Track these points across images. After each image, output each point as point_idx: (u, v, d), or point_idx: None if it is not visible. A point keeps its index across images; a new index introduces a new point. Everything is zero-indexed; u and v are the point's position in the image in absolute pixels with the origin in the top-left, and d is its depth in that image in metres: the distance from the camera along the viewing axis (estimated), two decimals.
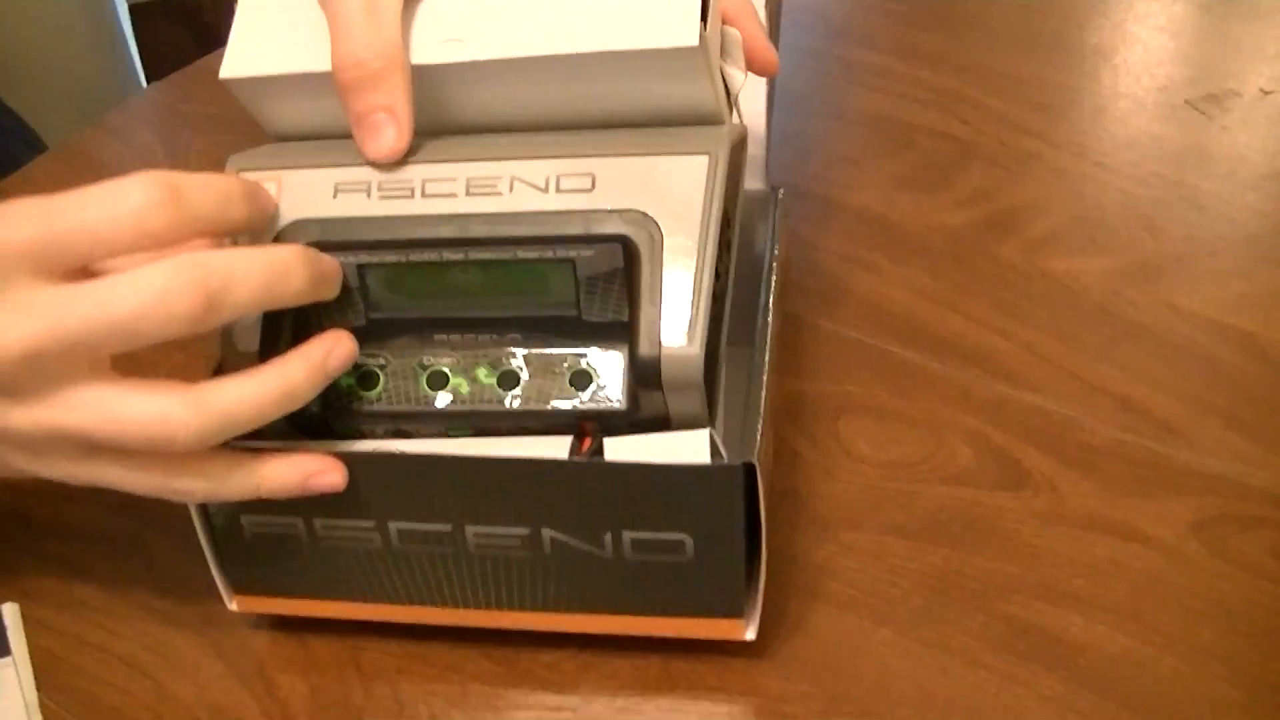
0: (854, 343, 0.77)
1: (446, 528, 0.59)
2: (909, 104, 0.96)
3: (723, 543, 0.57)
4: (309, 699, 0.62)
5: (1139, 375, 0.75)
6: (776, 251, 0.68)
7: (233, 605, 0.64)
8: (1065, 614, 0.63)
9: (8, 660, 0.64)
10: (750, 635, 0.61)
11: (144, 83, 1.52)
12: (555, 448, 0.56)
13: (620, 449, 0.56)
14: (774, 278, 0.66)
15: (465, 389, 0.58)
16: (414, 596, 0.62)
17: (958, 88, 0.98)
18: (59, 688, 0.63)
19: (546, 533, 0.58)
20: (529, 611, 0.61)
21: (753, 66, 0.63)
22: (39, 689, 0.63)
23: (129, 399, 0.52)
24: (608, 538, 0.58)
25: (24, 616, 0.66)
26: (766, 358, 0.62)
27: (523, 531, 0.58)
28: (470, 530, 0.59)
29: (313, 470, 0.56)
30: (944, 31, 1.04)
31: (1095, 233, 0.85)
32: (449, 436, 0.58)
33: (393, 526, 0.59)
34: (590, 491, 0.57)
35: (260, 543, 0.61)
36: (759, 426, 0.57)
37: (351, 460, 0.58)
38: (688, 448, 0.55)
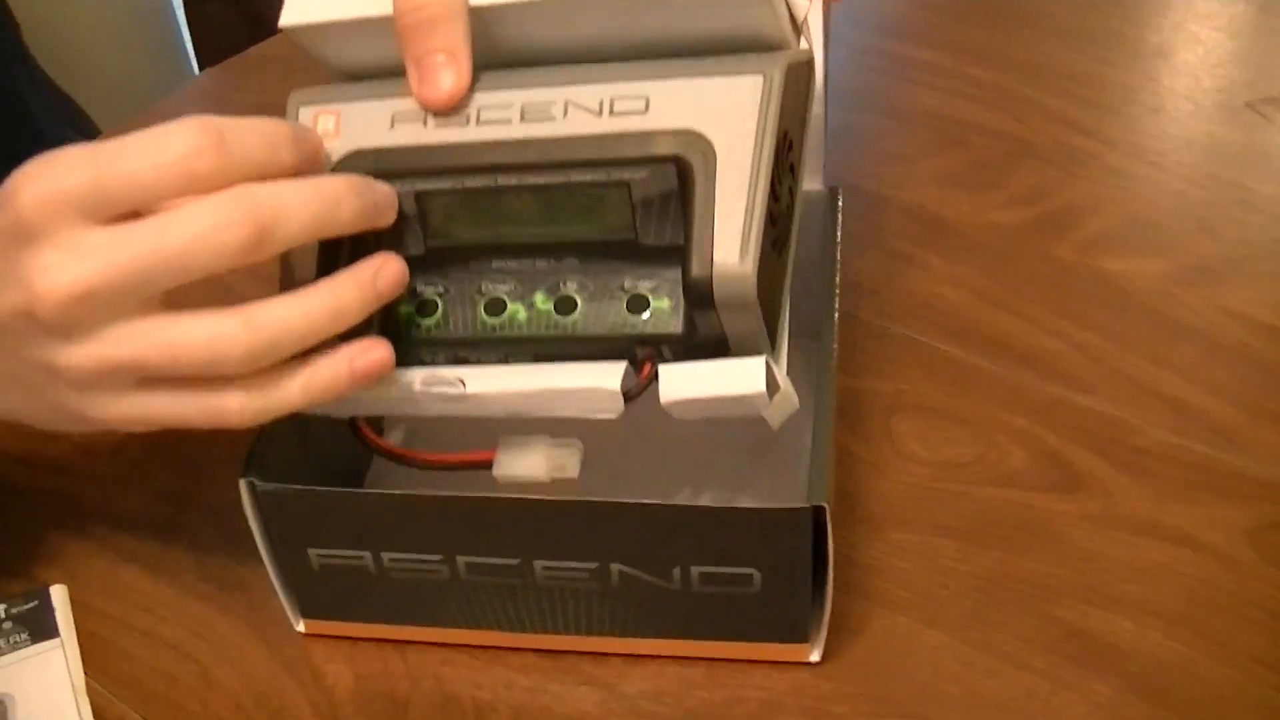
0: (906, 340, 0.77)
1: (515, 561, 0.59)
2: (961, 101, 0.96)
3: (790, 575, 0.57)
4: (354, 688, 0.62)
5: (1193, 378, 0.74)
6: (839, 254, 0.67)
7: (300, 627, 0.64)
8: (1116, 619, 0.62)
9: (55, 642, 0.64)
10: (815, 657, 0.61)
11: (196, 69, 1.52)
12: (610, 375, 0.55)
13: (675, 377, 0.55)
14: (837, 278, 0.66)
15: (522, 315, 0.57)
16: (482, 622, 0.62)
17: (1011, 85, 0.97)
18: (105, 671, 0.63)
19: (615, 567, 0.58)
20: (595, 636, 0.61)
21: None
22: (85, 672, 0.63)
23: (181, 325, 0.52)
24: (676, 571, 0.58)
25: (71, 600, 0.66)
26: (834, 364, 0.62)
27: (591, 565, 0.58)
28: (539, 564, 0.59)
29: (354, 352, 0.55)
30: (997, 28, 1.03)
31: (1150, 234, 0.84)
32: (507, 363, 0.58)
33: (461, 560, 0.59)
34: (659, 530, 0.57)
35: (328, 573, 0.61)
36: (828, 465, 0.57)
37: (420, 500, 0.58)
38: (743, 376, 0.54)
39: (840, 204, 0.69)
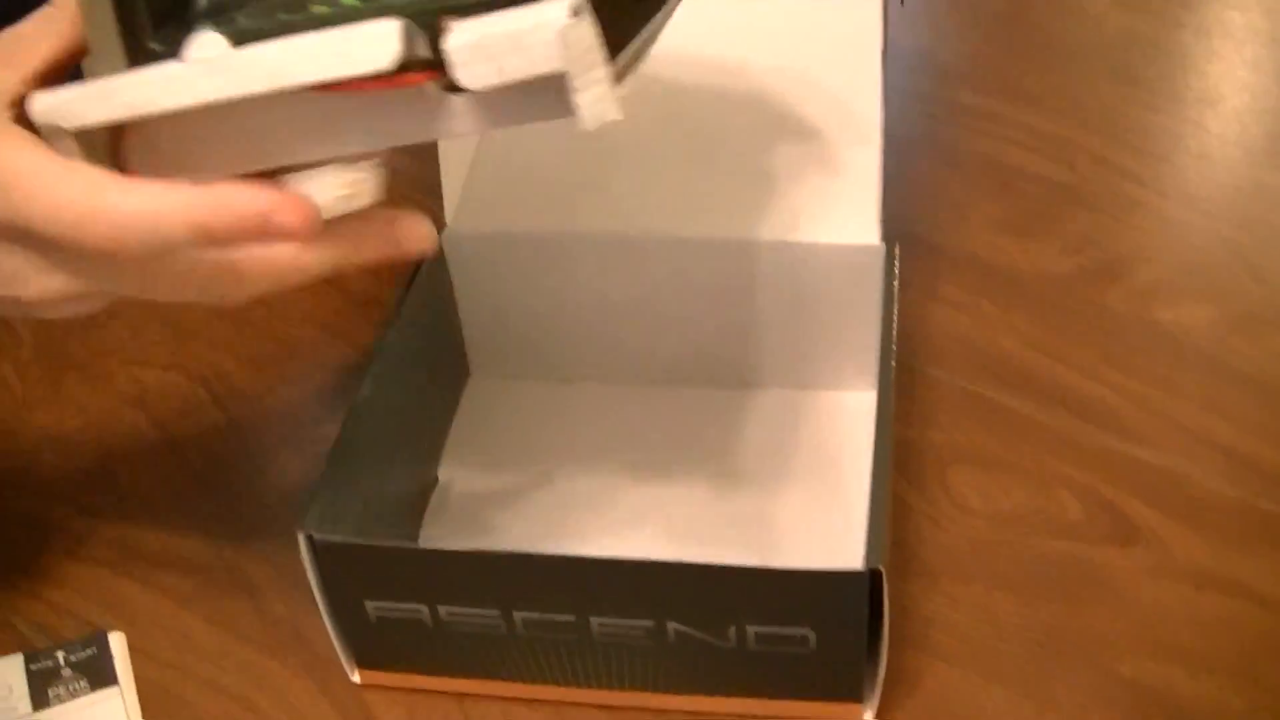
0: (961, 391, 0.77)
1: (571, 618, 0.59)
2: (1013, 148, 0.96)
3: (845, 637, 0.57)
4: None
5: (1247, 427, 0.74)
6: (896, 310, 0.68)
7: (355, 677, 0.64)
8: (1175, 672, 0.62)
9: (114, 690, 0.64)
10: (869, 717, 0.61)
11: None
12: (380, 38, 0.47)
13: (468, 26, 0.46)
14: (894, 332, 0.66)
15: (324, 8, 0.49)
16: (540, 676, 0.62)
17: (1062, 131, 0.97)
18: (163, 719, 0.64)
19: (671, 625, 0.58)
20: (650, 692, 0.61)
21: None
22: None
23: None
24: (732, 631, 0.58)
25: (129, 647, 0.67)
26: (890, 417, 0.62)
27: (647, 624, 0.58)
28: (595, 621, 0.59)
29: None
30: (1049, 74, 1.03)
31: (1202, 281, 0.84)
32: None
33: (517, 615, 0.59)
34: (714, 590, 0.57)
35: (385, 625, 0.61)
36: (885, 523, 0.57)
37: (475, 556, 0.59)
38: (539, 10, 0.46)
39: (897, 260, 0.69)
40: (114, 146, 0.54)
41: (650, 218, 0.72)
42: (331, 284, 0.86)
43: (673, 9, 0.55)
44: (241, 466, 0.77)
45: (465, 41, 0.47)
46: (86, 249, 0.50)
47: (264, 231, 0.50)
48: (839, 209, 0.71)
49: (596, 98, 0.47)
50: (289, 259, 0.51)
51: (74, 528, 0.74)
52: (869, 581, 0.55)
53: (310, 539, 0.58)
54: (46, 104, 0.52)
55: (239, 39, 0.50)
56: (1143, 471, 0.72)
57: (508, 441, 0.75)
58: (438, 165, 0.71)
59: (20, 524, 0.74)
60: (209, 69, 0.50)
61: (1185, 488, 0.71)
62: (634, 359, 0.76)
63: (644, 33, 0.52)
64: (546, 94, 0.47)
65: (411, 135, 0.50)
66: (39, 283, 0.53)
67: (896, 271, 0.69)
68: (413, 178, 0.81)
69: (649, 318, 0.74)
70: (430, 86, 0.48)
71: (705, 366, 0.76)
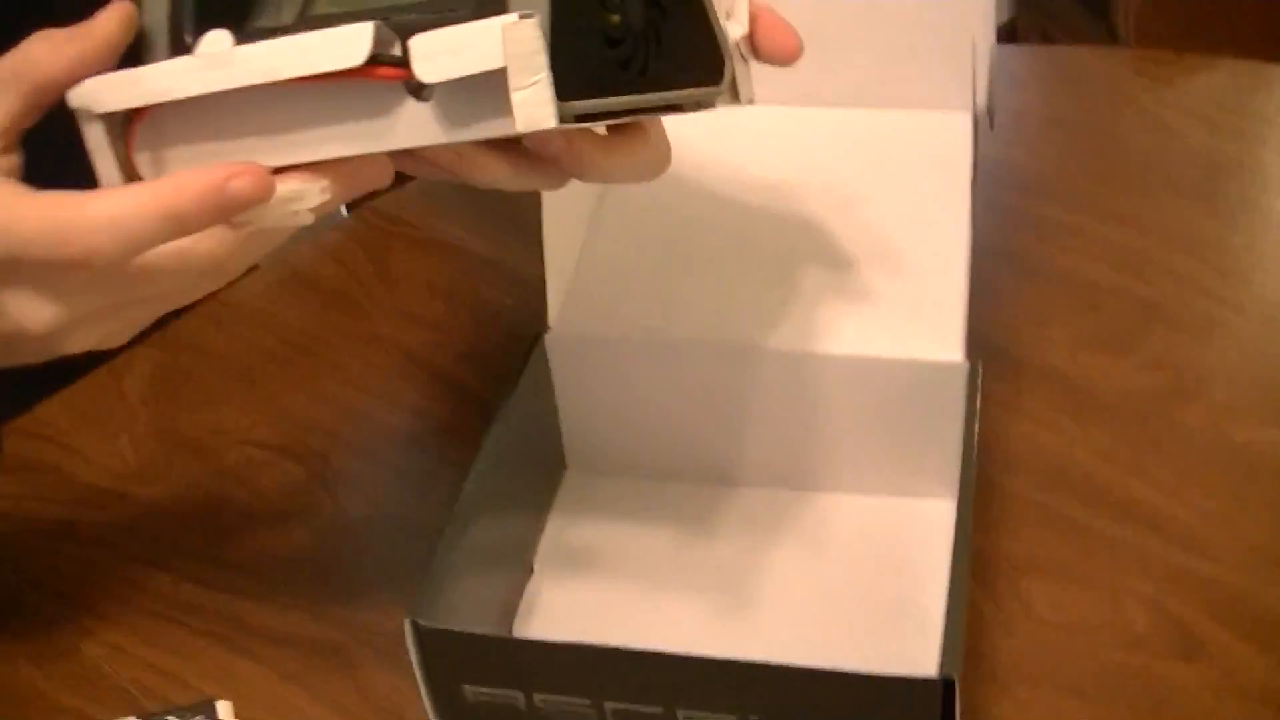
0: (1037, 503, 0.79)
1: (659, 710, 0.61)
2: (1095, 263, 0.97)
3: None
4: None
5: None
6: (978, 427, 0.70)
7: None
8: None
9: None
10: None
11: None
12: (355, 37, 0.52)
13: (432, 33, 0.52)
14: (975, 448, 0.69)
15: (323, 8, 0.55)
16: None
17: (1144, 248, 0.99)
18: None
19: None
20: None
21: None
22: None
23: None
24: None
25: (236, 717, 0.70)
26: (968, 530, 0.65)
27: (732, 718, 0.61)
28: (682, 713, 0.61)
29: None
30: (1131, 190, 1.05)
31: (1278, 402, 0.86)
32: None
33: (608, 705, 0.62)
34: (796, 690, 0.59)
35: (482, 708, 0.64)
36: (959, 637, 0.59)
37: (571, 648, 0.61)
38: (490, 23, 0.50)
39: (980, 379, 0.72)
40: (129, 152, 0.59)
41: (742, 327, 0.75)
42: (443, 383, 0.90)
43: (676, 104, 0.58)
44: (345, 549, 0.80)
45: (425, 39, 0.51)
46: (70, 262, 0.53)
47: (223, 204, 0.53)
48: (924, 325, 0.74)
49: (530, 100, 0.51)
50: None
51: (183, 598, 0.77)
52: (943, 689, 0.57)
53: (416, 626, 0.61)
54: (82, 89, 0.57)
55: (243, 39, 0.55)
56: (1211, 588, 0.74)
57: (601, 534, 0.78)
58: (543, 274, 0.74)
59: (132, 592, 0.78)
60: (208, 63, 0.55)
61: (1253, 607, 0.72)
62: (723, 461, 0.79)
63: (622, 102, 0.55)
64: (497, 102, 0.51)
65: (379, 140, 0.55)
66: (41, 313, 0.56)
67: (980, 387, 0.71)
68: (523, 287, 0.85)
69: (738, 422, 0.77)
70: (397, 87, 0.53)
71: (790, 470, 0.79)
